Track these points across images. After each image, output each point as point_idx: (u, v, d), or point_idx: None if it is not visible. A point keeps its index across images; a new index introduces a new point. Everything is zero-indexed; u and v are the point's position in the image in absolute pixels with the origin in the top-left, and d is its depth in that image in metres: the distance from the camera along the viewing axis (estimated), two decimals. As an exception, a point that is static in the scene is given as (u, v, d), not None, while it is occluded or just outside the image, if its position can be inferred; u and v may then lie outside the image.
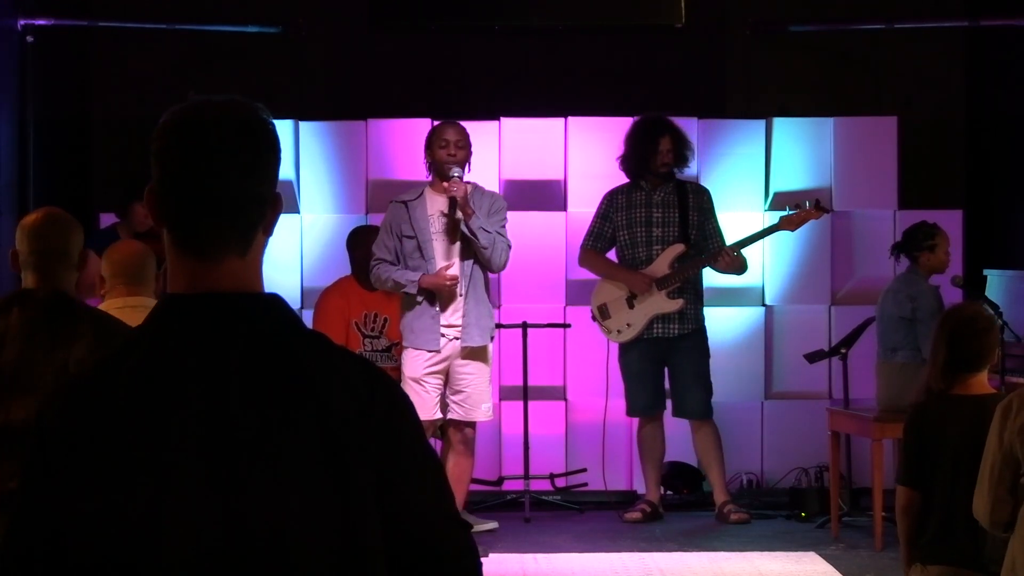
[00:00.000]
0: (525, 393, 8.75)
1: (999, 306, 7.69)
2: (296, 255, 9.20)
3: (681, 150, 8.48)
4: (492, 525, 8.12)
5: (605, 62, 9.98)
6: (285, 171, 8.86)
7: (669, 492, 8.86)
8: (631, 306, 8.41)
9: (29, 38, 8.64)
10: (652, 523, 8.41)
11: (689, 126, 8.79)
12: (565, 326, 9.06)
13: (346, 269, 8.53)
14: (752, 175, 9.23)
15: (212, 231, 2.01)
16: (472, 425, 7.69)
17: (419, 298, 7.49)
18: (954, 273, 8.37)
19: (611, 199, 8.56)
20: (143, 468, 1.93)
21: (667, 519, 8.53)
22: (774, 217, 9.12)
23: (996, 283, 8.49)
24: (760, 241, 8.60)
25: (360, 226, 8.76)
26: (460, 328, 7.51)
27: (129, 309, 4.75)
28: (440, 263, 7.52)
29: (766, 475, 9.17)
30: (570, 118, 9.34)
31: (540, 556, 7.52)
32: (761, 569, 7.22)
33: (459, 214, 7.48)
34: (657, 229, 8.43)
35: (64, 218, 4.28)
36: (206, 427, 1.94)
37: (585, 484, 8.99)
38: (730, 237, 8.51)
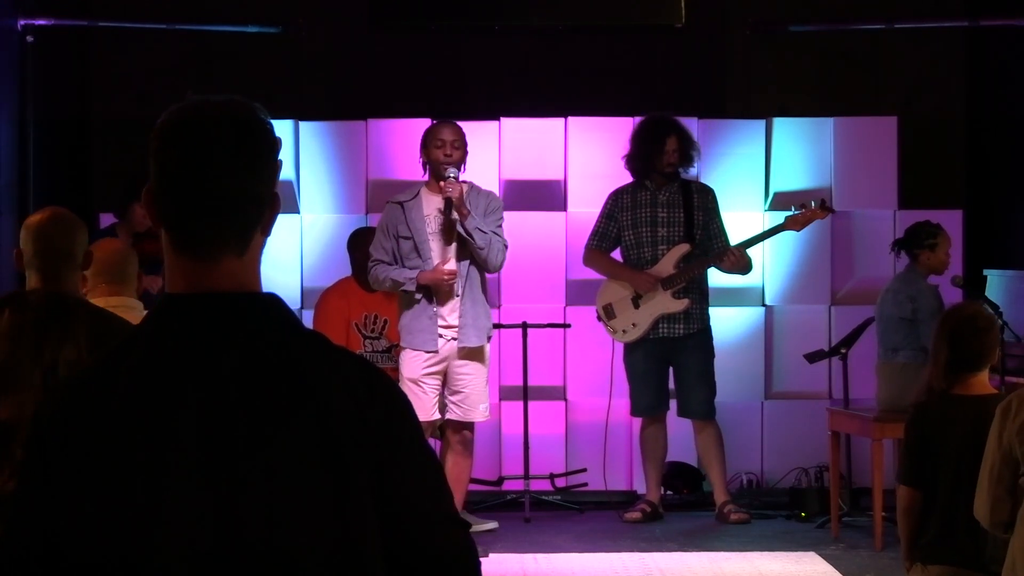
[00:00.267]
0: (525, 393, 8.75)
1: (999, 306, 7.69)
2: (296, 255, 9.20)
3: (687, 150, 8.48)
4: (492, 525, 8.12)
5: (605, 62, 9.98)
6: (285, 171, 8.85)
7: (669, 492, 8.86)
8: (636, 306, 8.41)
9: (29, 38, 8.63)
10: (652, 523, 8.41)
11: (689, 126, 8.78)
12: (565, 326, 9.06)
13: (346, 269, 8.53)
14: (752, 175, 9.23)
15: (210, 231, 2.01)
16: (470, 426, 7.68)
17: (417, 295, 7.48)
18: (954, 273, 8.37)
19: (616, 198, 8.56)
20: (140, 468, 1.93)
21: (667, 519, 8.53)
22: (774, 217, 9.13)
23: (996, 283, 8.49)
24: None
25: (361, 227, 8.76)
26: (457, 329, 7.50)
27: (110, 309, 4.75)
28: (438, 263, 7.51)
29: (766, 475, 9.17)
30: (570, 118, 9.34)
31: (540, 556, 7.51)
32: (761, 569, 7.22)
33: (455, 214, 7.47)
34: (662, 229, 8.43)
35: (69, 218, 4.28)
36: (204, 427, 1.94)
37: (585, 484, 8.99)
38: (730, 237, 8.51)
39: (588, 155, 9.29)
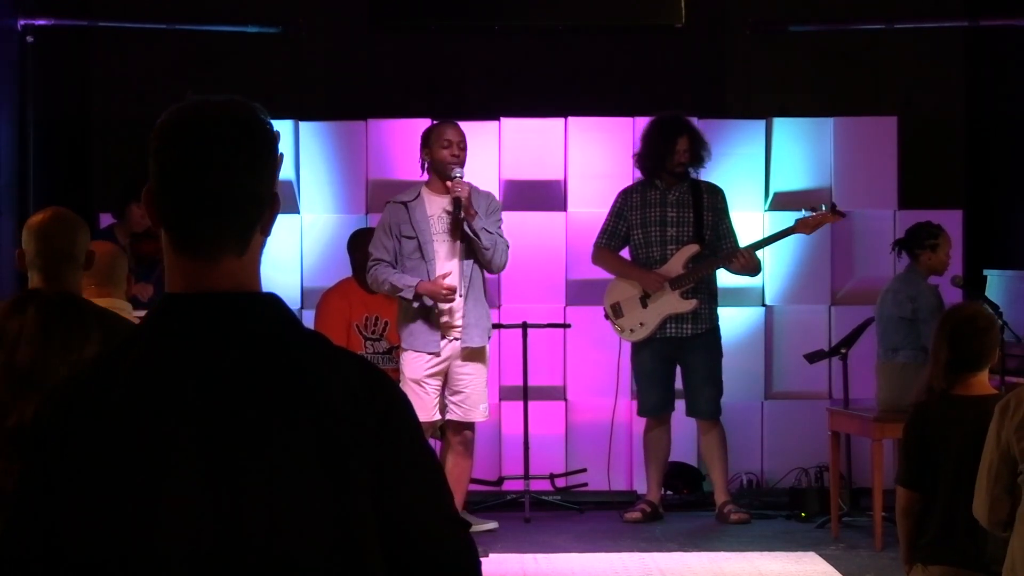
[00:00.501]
0: (525, 393, 8.75)
1: (999, 306, 7.69)
2: (296, 255, 9.20)
3: (698, 150, 8.48)
4: (492, 525, 8.12)
5: (605, 62, 9.98)
6: (285, 171, 8.86)
7: (669, 492, 8.86)
8: (644, 305, 8.41)
9: (29, 38, 8.63)
10: (652, 523, 8.41)
11: (689, 126, 8.78)
12: (565, 326, 9.06)
13: (346, 269, 8.53)
14: (752, 175, 9.23)
15: (209, 231, 2.01)
16: (471, 426, 7.68)
17: (415, 304, 7.46)
18: (954, 273, 8.37)
19: (626, 197, 8.55)
20: (140, 468, 1.93)
21: (667, 519, 8.53)
22: (775, 217, 9.14)
23: (996, 283, 8.49)
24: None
25: (361, 228, 8.76)
26: (460, 329, 7.50)
27: None
28: (440, 264, 7.50)
29: (766, 475, 9.17)
30: (570, 118, 9.34)
31: (540, 556, 7.51)
32: (761, 569, 7.22)
33: (462, 214, 7.46)
34: (671, 229, 8.43)
35: (71, 218, 4.28)
36: (203, 427, 1.94)
37: (585, 484, 8.99)
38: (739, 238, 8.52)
39: (588, 155, 9.30)
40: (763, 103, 9.76)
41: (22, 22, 8.69)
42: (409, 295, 7.43)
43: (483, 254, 7.48)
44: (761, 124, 9.40)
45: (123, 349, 2.01)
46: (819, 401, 9.01)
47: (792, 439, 9.08)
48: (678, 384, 8.57)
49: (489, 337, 7.70)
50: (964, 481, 4.63)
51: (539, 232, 9.12)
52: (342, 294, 8.36)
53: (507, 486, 8.88)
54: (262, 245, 2.06)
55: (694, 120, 9.04)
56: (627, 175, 9.27)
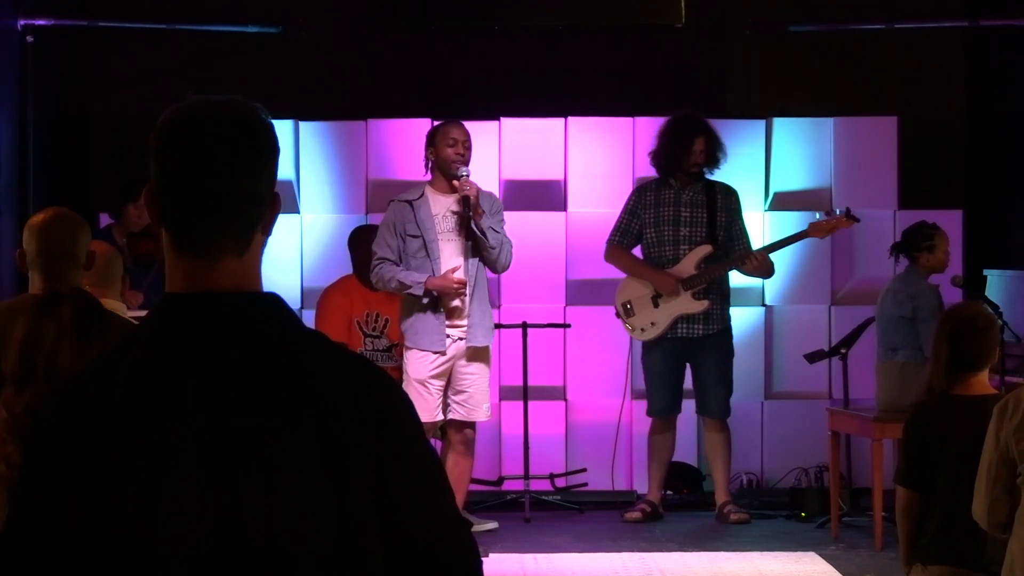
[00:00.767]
0: (525, 393, 8.75)
1: (999, 306, 7.69)
2: (296, 255, 9.20)
3: (714, 151, 8.48)
4: (492, 525, 8.12)
5: (605, 62, 9.98)
6: (285, 171, 8.86)
7: (669, 492, 8.86)
8: (656, 305, 8.40)
9: (29, 38, 8.63)
10: (652, 523, 8.41)
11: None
12: (565, 326, 9.06)
13: (346, 269, 8.53)
14: (752, 175, 9.22)
15: (210, 231, 2.01)
16: (472, 425, 7.68)
17: (424, 300, 7.46)
18: (954, 273, 8.37)
19: (640, 195, 8.54)
20: (140, 468, 1.93)
21: (667, 519, 8.53)
22: (775, 217, 9.14)
23: (996, 283, 8.49)
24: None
25: (361, 225, 8.76)
26: (465, 328, 7.49)
27: None
28: (445, 263, 7.49)
29: (766, 475, 9.17)
30: (570, 118, 9.34)
31: (540, 556, 7.51)
32: (761, 569, 7.22)
33: (470, 213, 7.45)
34: (684, 228, 8.42)
35: (71, 218, 4.27)
36: (203, 427, 1.94)
37: (585, 484, 8.99)
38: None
39: (588, 155, 9.30)
40: (763, 103, 9.75)
41: (22, 22, 8.68)
42: (419, 291, 7.42)
43: (489, 253, 7.48)
44: (761, 124, 9.40)
45: (124, 349, 2.01)
46: (819, 401, 9.01)
47: (792, 439, 9.08)
48: (687, 385, 8.58)
49: (492, 337, 7.70)
50: (964, 481, 4.63)
51: (539, 232, 9.11)
52: (343, 291, 8.36)
53: (507, 486, 8.88)
54: (263, 245, 2.06)
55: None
56: (627, 175, 9.28)
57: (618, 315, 8.54)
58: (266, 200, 2.05)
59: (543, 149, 9.32)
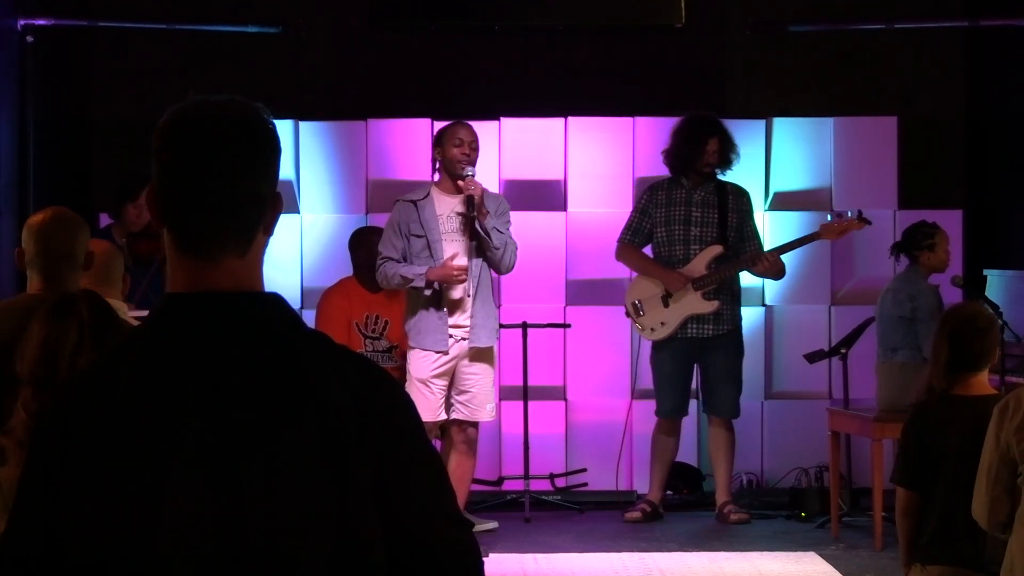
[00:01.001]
0: (525, 393, 8.75)
1: (999, 306, 7.69)
2: (296, 255, 9.20)
3: (727, 152, 8.48)
4: (492, 525, 8.12)
5: (605, 62, 9.98)
6: (285, 171, 8.86)
7: (669, 492, 8.86)
8: (666, 304, 8.40)
9: (29, 38, 8.63)
10: (652, 523, 8.41)
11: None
12: (565, 326, 9.06)
13: (346, 269, 8.53)
14: (752, 175, 9.22)
15: (211, 231, 2.01)
16: (475, 425, 7.67)
17: (427, 292, 7.45)
18: (954, 273, 8.37)
19: (652, 194, 8.54)
20: (141, 468, 1.93)
21: (667, 519, 8.53)
22: (775, 217, 9.14)
23: (996, 283, 8.49)
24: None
25: (362, 227, 8.76)
26: (468, 329, 7.49)
27: None
28: (446, 257, 7.46)
29: (766, 475, 9.17)
30: (570, 118, 9.34)
31: (540, 556, 7.51)
32: (761, 569, 7.22)
33: (474, 212, 7.45)
34: (695, 228, 8.42)
35: (71, 218, 4.27)
36: (204, 427, 1.94)
37: (585, 484, 8.99)
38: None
39: (588, 155, 9.29)
40: (763, 103, 9.76)
41: (22, 22, 8.68)
42: (421, 283, 7.41)
43: (493, 253, 7.47)
44: (761, 124, 9.40)
45: (125, 349, 2.01)
46: (819, 401, 9.02)
47: (792, 439, 9.08)
48: (693, 385, 8.59)
49: (497, 338, 7.69)
50: (963, 481, 4.63)
51: (539, 232, 9.11)
52: (343, 293, 8.36)
53: (507, 486, 8.88)
54: (265, 245, 2.06)
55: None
56: (627, 175, 9.28)
57: (628, 314, 8.55)
58: (268, 200, 2.05)
59: (543, 149, 9.32)
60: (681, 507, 8.88)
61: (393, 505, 2.00)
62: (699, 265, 8.39)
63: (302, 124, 9.25)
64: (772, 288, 9.24)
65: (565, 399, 9.21)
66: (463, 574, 2.07)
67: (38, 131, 8.70)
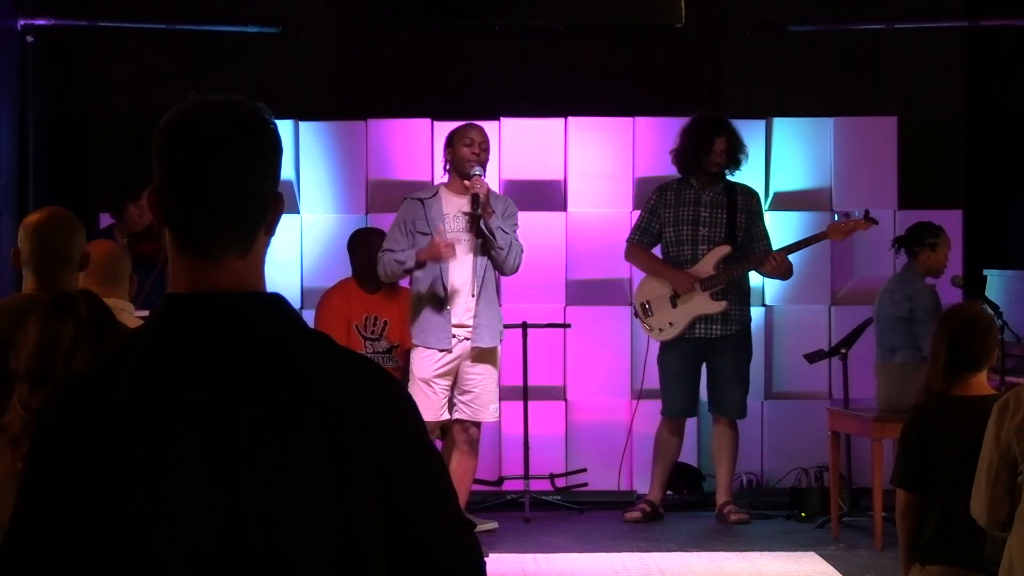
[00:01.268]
0: (525, 393, 8.75)
1: (999, 306, 7.69)
2: (296, 255, 9.20)
3: (735, 152, 8.48)
4: (492, 525, 8.12)
5: (605, 62, 9.98)
6: (285, 171, 8.84)
7: (669, 492, 8.85)
8: (674, 305, 8.40)
9: (29, 38, 8.63)
10: (652, 523, 8.41)
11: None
12: (565, 326, 9.06)
13: (346, 269, 8.53)
14: (752, 175, 9.20)
15: (212, 231, 2.01)
16: (478, 425, 7.66)
17: (418, 272, 7.43)
18: (954, 273, 8.37)
19: (661, 194, 8.54)
20: (142, 468, 1.93)
21: (667, 519, 8.53)
22: (775, 217, 9.14)
23: (996, 283, 8.49)
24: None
25: (361, 228, 8.75)
26: (471, 328, 7.48)
27: None
28: (454, 262, 7.46)
29: (766, 475, 9.17)
30: (570, 118, 9.34)
31: (540, 556, 7.51)
32: (761, 569, 7.22)
33: (479, 211, 7.44)
34: (703, 228, 8.42)
35: (67, 219, 4.26)
36: (205, 427, 1.94)
37: (585, 484, 8.99)
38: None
39: (588, 155, 9.29)
40: (763, 103, 9.76)
41: (22, 22, 8.68)
42: (411, 262, 7.39)
43: (497, 253, 7.47)
44: (761, 124, 9.39)
45: (127, 349, 2.01)
46: (819, 401, 9.01)
47: (792, 439, 9.08)
48: (701, 387, 8.59)
49: (501, 338, 7.67)
50: (963, 481, 4.62)
51: (539, 232, 9.10)
52: (342, 294, 8.36)
53: (507, 486, 8.88)
54: (266, 245, 2.06)
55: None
56: (627, 175, 9.29)
57: (636, 315, 8.55)
58: (269, 200, 2.05)
59: (543, 149, 9.32)
60: (681, 507, 8.88)
61: (394, 505, 2.00)
62: (707, 265, 8.39)
63: (302, 124, 9.25)
64: (772, 288, 9.24)
65: (565, 399, 9.21)
66: (464, 574, 2.07)
67: (38, 131, 8.71)
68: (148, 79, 9.56)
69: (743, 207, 8.47)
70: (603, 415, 9.15)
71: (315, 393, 1.98)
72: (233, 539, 1.92)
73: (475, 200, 7.44)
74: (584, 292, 9.20)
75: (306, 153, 9.25)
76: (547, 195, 9.32)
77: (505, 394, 9.02)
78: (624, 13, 9.85)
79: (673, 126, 8.74)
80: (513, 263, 7.53)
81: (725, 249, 8.40)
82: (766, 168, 9.34)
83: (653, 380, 8.68)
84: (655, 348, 8.63)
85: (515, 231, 7.57)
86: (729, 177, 8.55)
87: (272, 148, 2.05)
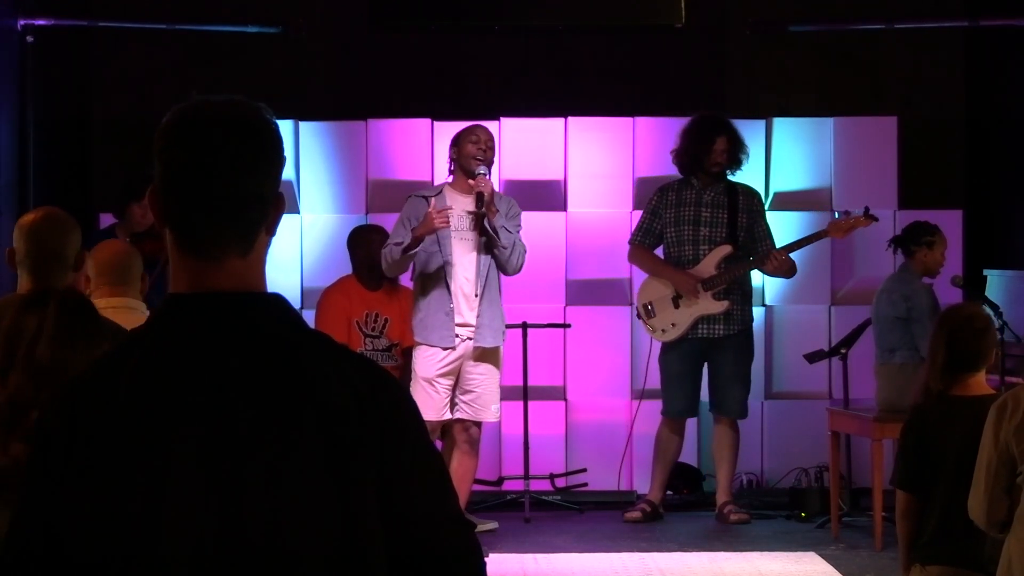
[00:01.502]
0: (525, 393, 8.75)
1: (999, 306, 7.69)
2: (296, 255, 9.20)
3: (736, 152, 8.48)
4: (492, 525, 8.12)
5: (605, 62, 9.98)
6: (285, 171, 8.82)
7: (669, 492, 8.85)
8: (676, 305, 8.40)
9: (29, 38, 8.63)
10: (652, 523, 8.41)
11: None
12: (565, 326, 9.06)
13: (346, 269, 8.53)
14: (752, 175, 9.20)
15: (213, 231, 2.01)
16: (479, 424, 7.66)
17: (429, 288, 7.43)
18: (954, 273, 8.37)
19: (662, 195, 8.54)
20: (142, 468, 1.93)
21: (667, 519, 8.53)
22: (775, 217, 9.13)
23: (996, 283, 8.49)
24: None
25: (361, 225, 8.75)
26: (474, 328, 7.47)
27: (112, 310, 4.72)
28: (457, 260, 7.44)
29: (766, 475, 9.17)
30: (570, 118, 9.34)
31: (540, 556, 7.51)
32: (761, 569, 7.22)
33: (483, 209, 7.43)
34: (704, 228, 8.42)
35: (62, 219, 4.25)
36: (206, 427, 1.94)
37: (585, 484, 8.99)
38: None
39: (588, 155, 9.29)
40: (763, 103, 9.76)
41: (22, 22, 8.69)
42: (408, 240, 7.35)
43: (501, 253, 7.46)
44: (761, 124, 9.39)
45: (127, 349, 2.01)
46: (819, 401, 9.01)
47: (792, 439, 9.08)
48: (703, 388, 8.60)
49: (503, 339, 7.67)
50: (963, 481, 4.62)
51: (539, 232, 9.09)
52: (343, 291, 8.36)
53: (507, 486, 8.88)
54: (267, 245, 2.07)
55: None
56: (627, 175, 9.29)
57: (639, 316, 8.55)
58: (270, 200, 2.05)
59: (543, 149, 9.32)
60: (681, 507, 8.88)
61: (394, 506, 2.00)
62: (709, 265, 8.39)
63: (302, 124, 9.25)
64: (772, 288, 9.24)
65: (565, 399, 9.21)
66: (464, 575, 2.07)
67: (38, 131, 8.71)
68: (148, 79, 9.56)
69: (744, 207, 8.47)
70: (603, 415, 9.15)
71: (315, 393, 1.98)
72: (233, 539, 1.92)
73: (480, 199, 7.43)
74: (584, 292, 9.20)
75: (306, 153, 9.25)
76: (547, 195, 9.32)
77: (505, 394, 9.00)
78: (624, 13, 9.85)
79: (673, 126, 8.74)
80: (516, 263, 7.52)
81: (726, 249, 8.40)
82: (766, 168, 9.34)
83: (653, 380, 8.68)
84: (656, 348, 8.63)
85: (518, 231, 7.57)
86: (730, 177, 8.54)
87: (273, 148, 2.05)
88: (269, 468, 1.94)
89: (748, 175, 9.14)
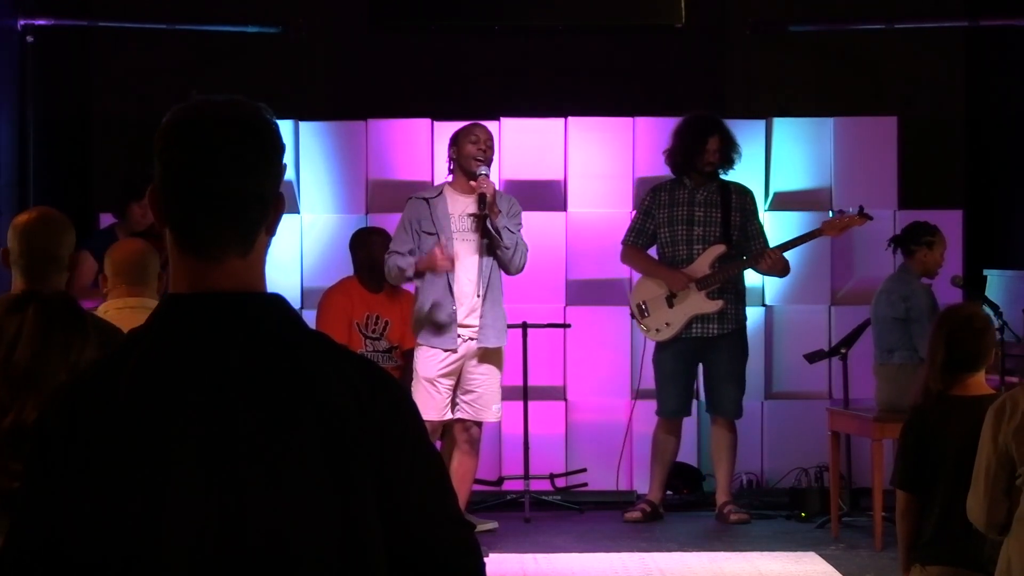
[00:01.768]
0: (525, 393, 8.75)
1: (999, 306, 7.69)
2: (296, 255, 9.20)
3: (728, 152, 8.47)
4: (492, 525, 8.11)
5: (605, 62, 9.98)
6: (285, 171, 8.85)
7: (669, 492, 8.85)
8: (670, 305, 8.40)
9: (29, 38, 8.63)
10: (652, 523, 8.41)
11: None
12: (565, 326, 9.06)
13: (346, 269, 8.53)
14: (752, 175, 9.21)
15: (213, 231, 2.01)
16: (479, 424, 7.65)
17: (416, 281, 7.43)
18: (954, 273, 8.37)
19: (654, 195, 8.54)
20: (143, 469, 1.93)
21: (667, 519, 8.53)
22: (775, 217, 9.14)
23: (996, 283, 8.49)
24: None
25: (363, 227, 8.75)
26: (476, 329, 7.47)
27: (128, 310, 4.73)
28: (460, 261, 7.44)
29: (766, 475, 9.17)
30: (570, 118, 9.34)
31: (540, 556, 7.51)
32: (761, 569, 7.22)
33: (485, 210, 7.43)
34: (698, 228, 8.42)
35: (56, 219, 4.24)
36: (206, 427, 1.94)
37: (585, 484, 8.99)
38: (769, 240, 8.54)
39: (588, 155, 9.30)
40: (763, 103, 9.76)
41: (22, 22, 8.69)
42: (411, 272, 7.38)
43: (503, 253, 7.45)
44: (761, 124, 9.40)
45: (127, 349, 2.01)
46: (819, 401, 9.01)
47: (792, 439, 9.08)
48: (696, 384, 8.59)
49: (505, 339, 7.66)
50: (962, 481, 4.62)
51: (539, 232, 9.09)
52: (344, 292, 8.36)
53: (507, 486, 8.88)
54: (267, 245, 2.07)
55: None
56: (627, 175, 9.29)
57: (633, 316, 8.55)
58: (270, 200, 2.05)
59: (543, 149, 9.32)
60: (681, 507, 8.88)
61: (394, 506, 2.00)
62: (702, 265, 8.39)
63: (302, 124, 9.25)
64: (772, 288, 9.24)
65: (565, 399, 9.21)
66: (464, 575, 2.07)
67: (38, 131, 8.71)
68: (148, 79, 9.56)
69: (737, 206, 8.47)
70: (603, 415, 9.14)
71: (315, 393, 1.98)
72: (233, 539, 1.92)
73: (482, 200, 7.42)
74: (584, 292, 9.20)
75: (306, 153, 9.25)
76: (547, 195, 9.32)
77: (505, 394, 8.99)
78: (624, 13, 9.86)
79: (673, 126, 8.74)
80: (519, 263, 7.52)
81: (720, 248, 8.40)
82: (766, 168, 9.34)
83: (652, 380, 8.68)
84: (651, 348, 8.64)
85: (519, 230, 7.57)
86: (723, 176, 8.54)
87: (273, 148, 2.05)
88: (269, 468, 1.94)
89: (748, 175, 9.14)
